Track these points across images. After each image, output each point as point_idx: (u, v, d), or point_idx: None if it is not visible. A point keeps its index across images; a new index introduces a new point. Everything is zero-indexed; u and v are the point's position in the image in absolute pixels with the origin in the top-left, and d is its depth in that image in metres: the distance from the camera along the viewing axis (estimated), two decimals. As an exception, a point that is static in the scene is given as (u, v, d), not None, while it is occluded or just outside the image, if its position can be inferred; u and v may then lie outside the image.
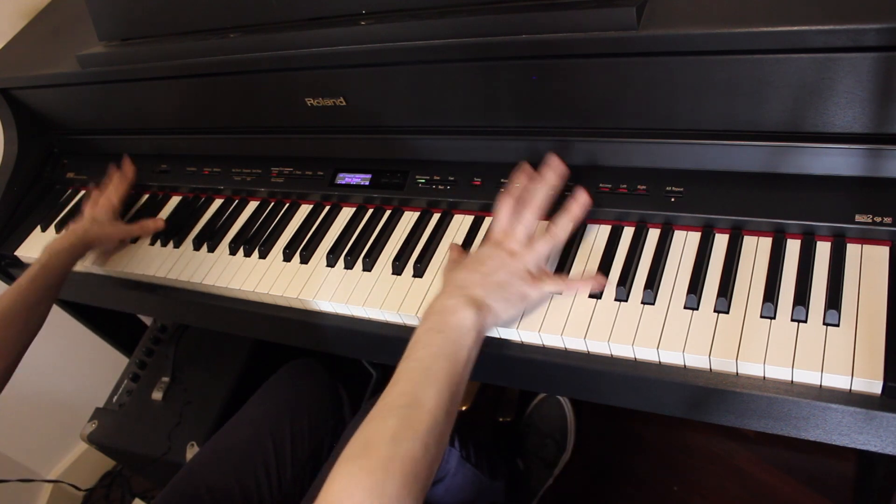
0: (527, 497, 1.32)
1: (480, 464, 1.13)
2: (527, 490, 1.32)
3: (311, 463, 1.04)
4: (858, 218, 0.69)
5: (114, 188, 1.10)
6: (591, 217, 0.83)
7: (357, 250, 0.91)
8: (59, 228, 1.16)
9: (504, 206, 0.77)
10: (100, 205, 1.07)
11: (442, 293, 0.70)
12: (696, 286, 0.72)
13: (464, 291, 0.69)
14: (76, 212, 1.17)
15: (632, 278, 0.75)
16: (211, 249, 1.02)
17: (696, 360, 0.68)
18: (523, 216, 0.76)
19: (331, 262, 0.92)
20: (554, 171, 0.78)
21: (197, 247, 1.03)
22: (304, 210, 1.01)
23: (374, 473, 0.55)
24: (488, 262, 0.72)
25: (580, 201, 0.77)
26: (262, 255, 0.97)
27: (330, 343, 0.93)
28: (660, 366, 0.71)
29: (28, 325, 0.92)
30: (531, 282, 0.73)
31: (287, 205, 1.02)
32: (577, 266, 0.79)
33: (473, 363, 0.66)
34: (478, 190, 0.89)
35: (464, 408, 1.48)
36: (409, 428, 0.57)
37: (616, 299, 0.75)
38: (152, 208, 1.12)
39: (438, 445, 0.59)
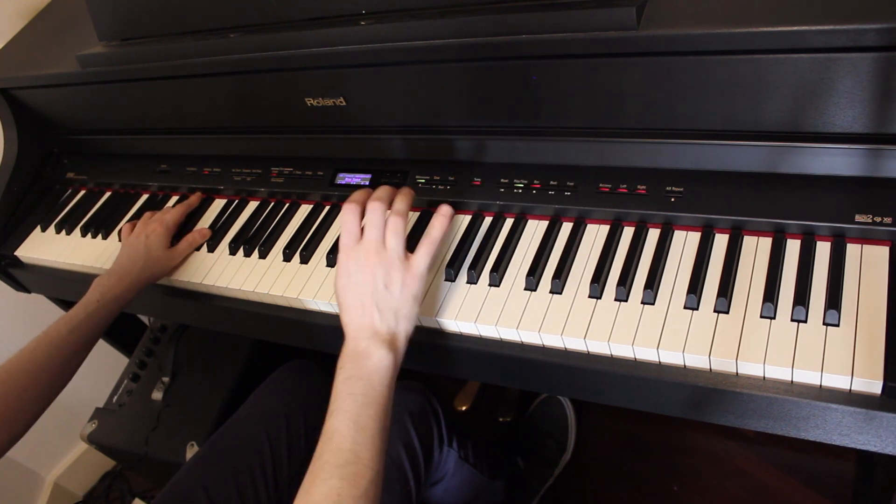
0: (527, 497, 1.32)
1: (479, 464, 1.13)
2: (527, 490, 1.32)
3: (308, 463, 1.04)
4: (858, 218, 0.69)
5: (173, 212, 1.03)
6: (591, 217, 0.83)
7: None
8: (59, 229, 1.16)
9: (346, 214, 0.74)
10: (152, 230, 0.98)
11: (347, 339, 0.70)
12: (696, 286, 0.72)
13: (364, 330, 0.69)
14: (76, 212, 1.17)
15: (632, 278, 0.75)
16: (211, 249, 1.02)
17: (696, 360, 0.68)
18: (370, 219, 0.73)
19: (331, 263, 0.92)
20: (387, 189, 0.77)
21: (197, 247, 1.03)
22: (304, 210, 1.01)
23: None
24: (364, 286, 0.71)
25: (408, 192, 0.77)
26: (262, 255, 0.97)
27: (330, 343, 0.93)
28: (660, 366, 0.71)
29: (59, 377, 0.83)
30: (409, 278, 0.71)
31: (287, 205, 1.02)
32: (577, 265, 0.79)
33: (393, 391, 0.68)
34: (478, 190, 0.89)
35: (463, 408, 1.48)
36: (352, 486, 0.59)
37: (616, 299, 0.75)
38: (152, 208, 1.12)
39: (378, 490, 0.61)
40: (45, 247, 1.16)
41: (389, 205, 0.76)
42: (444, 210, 0.77)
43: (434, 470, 1.03)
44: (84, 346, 0.87)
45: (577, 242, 0.81)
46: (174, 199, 1.12)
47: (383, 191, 0.77)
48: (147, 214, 1.04)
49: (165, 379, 1.33)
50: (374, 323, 0.70)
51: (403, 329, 0.71)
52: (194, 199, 1.08)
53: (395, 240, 0.72)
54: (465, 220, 0.89)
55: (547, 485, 1.35)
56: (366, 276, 0.71)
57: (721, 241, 0.75)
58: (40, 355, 0.82)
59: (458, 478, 1.09)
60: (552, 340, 0.75)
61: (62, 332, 0.84)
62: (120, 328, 1.50)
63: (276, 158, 1.05)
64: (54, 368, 0.83)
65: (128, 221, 1.09)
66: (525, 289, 0.79)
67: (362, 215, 0.75)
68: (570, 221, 0.84)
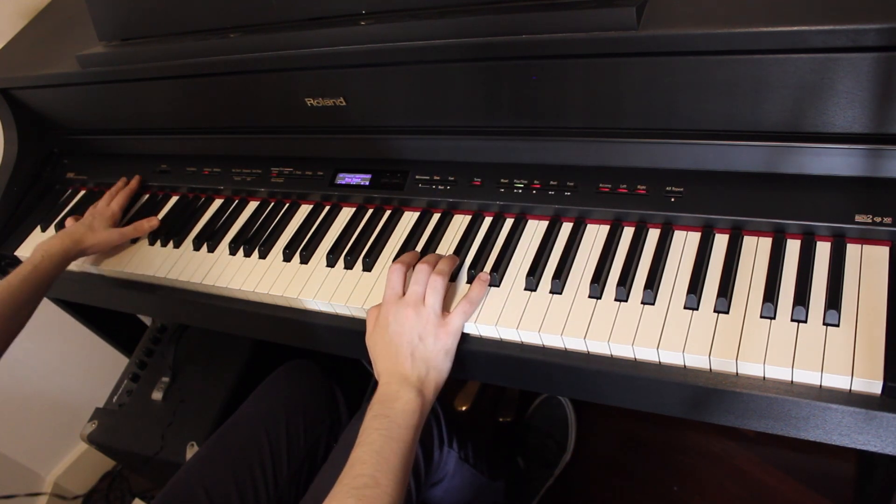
0: (527, 497, 1.32)
1: (479, 464, 1.13)
2: (527, 490, 1.32)
3: (308, 463, 1.05)
4: (858, 218, 0.69)
5: (118, 197, 1.10)
6: (591, 217, 0.83)
7: (357, 250, 0.91)
8: (59, 229, 1.16)
9: (393, 272, 0.80)
10: (98, 210, 1.08)
11: (380, 384, 0.74)
12: (696, 286, 0.72)
13: (397, 376, 0.73)
14: (76, 212, 1.17)
15: (632, 278, 0.75)
16: (211, 249, 1.02)
17: (696, 360, 0.68)
18: (418, 277, 0.78)
19: (331, 263, 0.92)
20: (437, 259, 0.82)
21: (197, 247, 1.03)
22: (304, 210, 1.01)
23: None
24: (401, 337, 0.75)
25: (452, 258, 0.83)
26: (262, 256, 0.97)
27: (330, 343, 0.93)
28: (660, 366, 0.71)
29: (11, 324, 0.91)
30: (443, 332, 0.76)
31: (287, 205, 1.02)
32: (577, 266, 0.79)
33: (418, 436, 0.71)
34: (478, 190, 0.89)
35: (463, 408, 1.48)
36: None
37: (616, 299, 0.75)
38: (152, 208, 1.12)
39: None
40: (45, 247, 1.16)
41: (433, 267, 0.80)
42: (484, 277, 0.81)
43: (434, 470, 1.03)
44: (33, 297, 0.94)
45: (577, 242, 0.81)
46: (174, 198, 1.12)
47: (433, 256, 0.83)
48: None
49: (165, 379, 1.33)
50: (406, 370, 0.74)
51: (433, 379, 0.74)
52: (134, 182, 1.14)
53: (434, 297, 0.77)
54: (465, 220, 0.89)
55: (547, 485, 1.35)
56: (403, 328, 0.76)
57: (721, 241, 0.75)
58: None
59: (458, 478, 1.09)
60: (552, 340, 0.75)
61: (13, 282, 0.92)
62: (120, 328, 1.50)
63: (276, 158, 1.05)
64: (9, 314, 0.90)
65: (129, 222, 1.10)
66: (525, 289, 0.79)
67: (405, 276, 0.80)
68: (570, 221, 0.84)
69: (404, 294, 0.78)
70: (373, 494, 0.62)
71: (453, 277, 0.83)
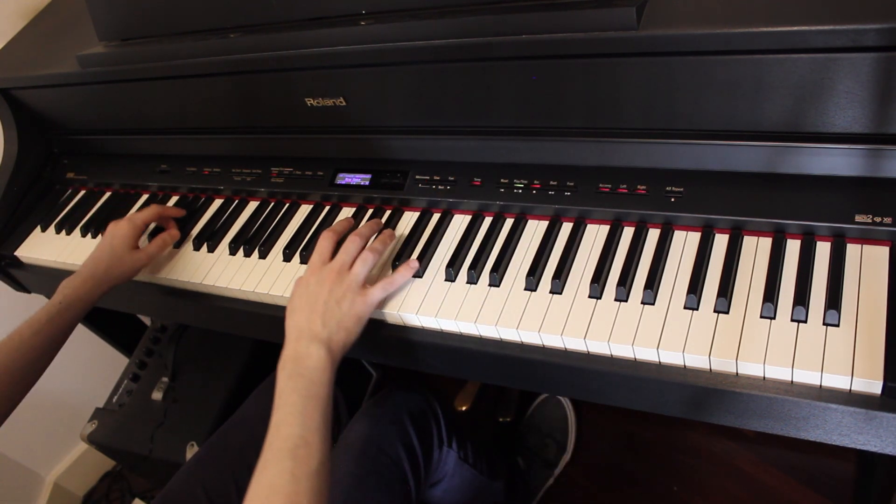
0: (527, 497, 1.32)
1: (479, 464, 1.13)
2: (527, 490, 1.32)
3: None
4: (858, 218, 0.69)
5: (144, 213, 1.00)
6: (591, 217, 0.83)
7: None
8: (58, 229, 1.16)
9: (323, 239, 0.83)
10: (119, 230, 0.96)
11: (288, 340, 0.75)
12: (696, 286, 0.72)
13: (308, 333, 0.74)
14: (76, 212, 1.17)
15: (632, 278, 0.75)
16: (211, 249, 1.02)
17: (696, 360, 0.68)
18: (348, 247, 0.81)
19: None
20: (372, 226, 0.87)
21: (197, 247, 1.03)
22: (304, 210, 1.01)
23: None
24: (317, 297, 0.77)
25: (390, 234, 0.87)
26: (262, 255, 0.97)
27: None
28: (660, 366, 0.71)
29: (25, 379, 0.84)
30: (359, 300, 0.78)
31: (287, 205, 1.02)
32: (577, 266, 0.79)
33: (333, 388, 0.73)
34: (478, 190, 0.89)
35: (464, 408, 1.48)
36: (303, 465, 0.64)
37: (616, 299, 0.75)
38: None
39: (328, 473, 0.67)
40: (45, 247, 1.16)
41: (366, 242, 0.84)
42: (413, 263, 0.84)
43: (434, 470, 1.03)
44: (49, 349, 0.87)
45: (577, 242, 0.81)
46: (174, 198, 1.12)
47: (367, 228, 0.86)
48: (118, 220, 1.01)
49: (165, 379, 1.33)
50: (317, 327, 0.75)
51: (342, 339, 0.76)
52: (175, 211, 1.06)
53: (361, 268, 0.80)
54: (466, 220, 0.89)
55: (547, 485, 1.35)
56: (322, 289, 0.78)
57: (721, 241, 0.75)
58: (4, 359, 0.82)
59: (457, 478, 1.09)
60: (552, 340, 0.75)
61: (24, 337, 0.85)
62: (120, 328, 1.50)
63: (276, 158, 1.05)
64: (18, 373, 0.83)
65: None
66: (525, 289, 0.79)
67: (337, 245, 0.83)
68: (570, 221, 0.84)
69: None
70: (305, 453, 0.65)
71: (455, 275, 0.83)
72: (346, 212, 0.98)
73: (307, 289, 0.79)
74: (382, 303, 0.84)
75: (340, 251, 0.82)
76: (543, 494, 1.34)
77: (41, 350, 0.86)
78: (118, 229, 0.97)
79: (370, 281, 0.82)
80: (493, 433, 1.47)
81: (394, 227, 0.93)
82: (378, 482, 0.90)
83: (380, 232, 0.88)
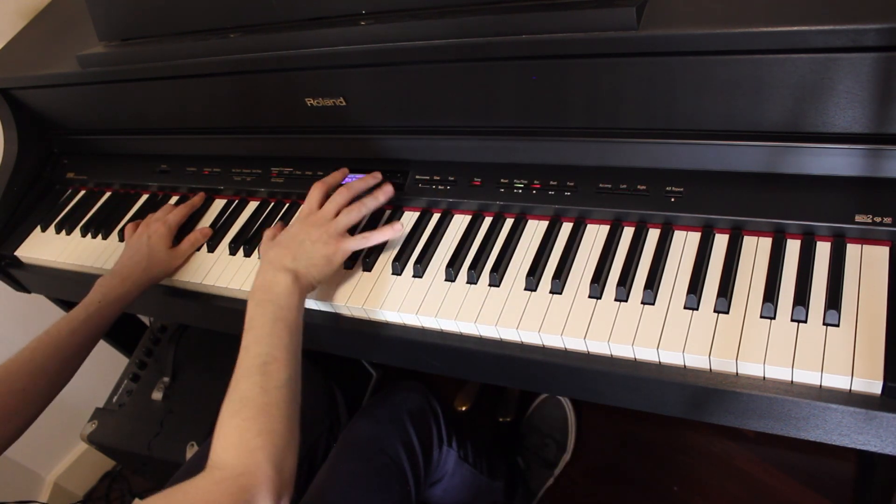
0: (527, 497, 1.32)
1: (479, 464, 1.13)
2: (527, 490, 1.32)
3: (307, 463, 1.05)
4: (858, 218, 0.69)
5: (176, 212, 1.03)
6: (591, 217, 0.83)
7: (357, 251, 0.91)
8: (59, 229, 1.16)
9: (314, 189, 0.88)
10: (154, 231, 0.98)
11: (259, 270, 0.79)
12: (696, 286, 0.72)
13: (276, 264, 0.79)
14: (76, 212, 1.17)
15: (632, 278, 0.75)
16: (211, 249, 1.02)
17: (696, 360, 0.68)
18: (335, 199, 0.86)
19: (331, 262, 0.91)
20: (385, 190, 0.89)
21: (199, 246, 1.03)
22: (304, 210, 1.01)
23: (258, 419, 0.64)
24: (295, 236, 0.82)
25: (385, 190, 0.89)
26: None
27: (329, 343, 0.93)
28: (660, 366, 0.71)
29: (60, 376, 0.84)
30: (332, 244, 0.82)
31: (287, 205, 1.02)
32: (577, 266, 0.79)
33: (302, 317, 0.77)
34: (478, 190, 0.89)
35: (463, 408, 1.48)
36: (272, 379, 0.68)
37: (616, 299, 0.75)
38: (152, 208, 1.12)
39: (297, 388, 0.70)
40: (45, 247, 1.16)
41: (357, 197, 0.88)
42: (396, 226, 0.86)
43: (434, 470, 1.03)
44: (84, 347, 0.88)
45: (577, 242, 0.81)
46: (174, 198, 1.12)
47: (362, 182, 0.89)
48: (150, 215, 1.04)
49: (165, 379, 1.33)
50: (287, 260, 0.79)
51: (310, 274, 0.79)
52: (197, 199, 1.08)
53: (345, 218, 0.84)
54: (466, 220, 0.89)
55: (547, 485, 1.35)
56: (301, 231, 0.82)
57: (721, 241, 0.75)
58: (39, 356, 0.83)
59: (457, 478, 1.09)
60: (552, 340, 0.75)
61: (62, 333, 0.85)
62: (120, 328, 1.49)
63: (276, 158, 1.05)
64: (53, 369, 0.83)
65: (130, 221, 1.09)
66: (525, 289, 0.79)
67: (326, 196, 0.87)
68: (570, 221, 0.84)
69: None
70: (274, 368, 0.68)
71: (455, 275, 0.83)
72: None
73: (288, 231, 0.83)
74: (383, 302, 0.84)
75: (329, 201, 0.86)
76: (543, 494, 1.34)
77: (77, 348, 0.86)
78: (155, 231, 0.99)
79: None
80: (493, 433, 1.47)
81: (394, 227, 0.93)
82: (378, 481, 0.90)
83: (377, 187, 0.90)
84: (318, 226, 0.83)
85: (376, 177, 0.91)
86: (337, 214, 0.85)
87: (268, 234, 0.89)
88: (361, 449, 0.93)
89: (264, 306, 0.74)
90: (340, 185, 0.91)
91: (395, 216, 0.93)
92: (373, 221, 0.94)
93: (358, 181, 0.89)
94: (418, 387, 1.05)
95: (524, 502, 1.31)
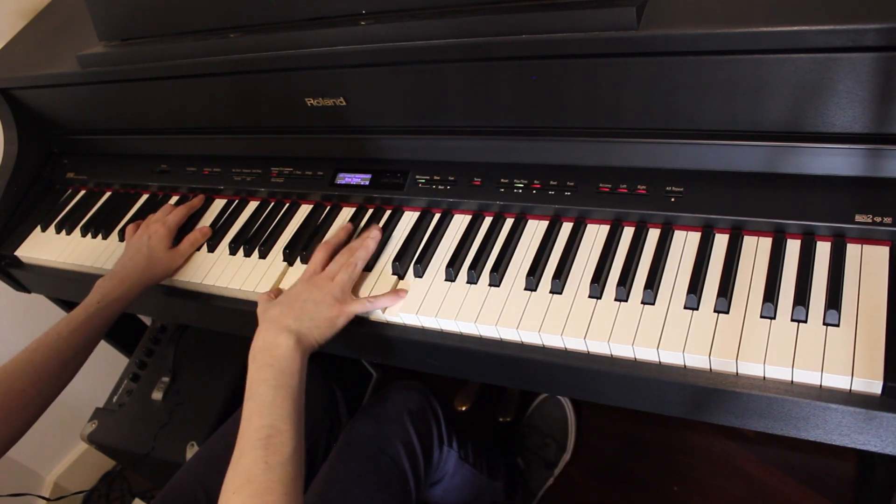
0: (526, 497, 1.32)
1: (479, 464, 1.13)
2: (527, 490, 1.32)
3: (307, 462, 1.04)
4: (858, 218, 0.69)
5: (176, 212, 1.03)
6: (591, 217, 0.83)
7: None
8: (59, 229, 1.16)
9: (318, 251, 0.87)
10: (154, 231, 0.99)
11: (260, 330, 0.77)
12: (696, 286, 0.72)
13: (279, 324, 0.76)
14: (76, 212, 1.18)
15: (632, 278, 0.75)
16: (211, 249, 1.02)
17: (696, 360, 0.68)
18: (337, 259, 0.85)
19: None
20: (373, 234, 0.88)
21: (199, 246, 1.03)
22: (305, 210, 1.01)
23: (262, 497, 0.62)
24: (299, 296, 0.81)
25: (373, 236, 0.88)
26: (262, 255, 0.97)
27: (329, 344, 0.93)
28: (660, 366, 0.71)
29: (61, 377, 0.84)
30: (337, 306, 0.80)
31: (287, 205, 1.02)
32: (577, 265, 0.79)
33: (304, 379, 0.75)
34: (478, 190, 0.89)
35: (463, 408, 1.48)
36: (276, 453, 0.65)
37: (616, 299, 0.75)
38: (152, 208, 1.12)
39: (301, 459, 0.68)
40: (45, 247, 1.16)
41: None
42: (402, 294, 0.84)
43: (434, 469, 1.03)
44: (84, 348, 0.88)
45: (578, 242, 0.81)
46: (174, 198, 1.12)
47: (358, 242, 0.88)
48: (150, 216, 1.04)
49: (165, 379, 1.33)
50: (289, 321, 0.77)
51: (313, 336, 0.78)
52: (196, 200, 1.08)
53: (344, 276, 0.83)
54: (466, 220, 0.89)
55: (547, 485, 1.35)
56: (305, 291, 0.81)
57: (721, 241, 0.75)
58: (40, 357, 0.83)
59: (458, 478, 1.09)
60: (552, 340, 0.75)
61: (62, 334, 0.85)
62: (120, 328, 1.49)
63: (276, 158, 1.05)
64: (54, 370, 0.83)
65: (130, 222, 1.09)
66: (525, 289, 0.79)
67: (330, 257, 0.87)
68: (571, 221, 0.84)
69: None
70: (278, 441, 0.66)
71: (455, 275, 0.83)
72: (347, 212, 0.98)
73: (291, 291, 0.82)
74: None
75: (332, 263, 0.85)
76: (543, 494, 1.34)
77: (77, 349, 0.86)
78: (154, 232, 0.99)
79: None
80: (493, 433, 1.47)
81: (394, 227, 0.93)
82: (378, 481, 0.90)
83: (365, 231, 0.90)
84: (320, 287, 0.81)
85: (371, 230, 0.90)
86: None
87: (263, 296, 0.85)
88: (362, 449, 0.93)
89: (265, 371, 0.72)
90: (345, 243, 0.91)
91: (396, 216, 0.93)
92: (373, 223, 0.94)
93: (356, 241, 0.89)
94: (418, 386, 1.05)
95: (524, 502, 1.31)
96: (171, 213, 1.03)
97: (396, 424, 0.96)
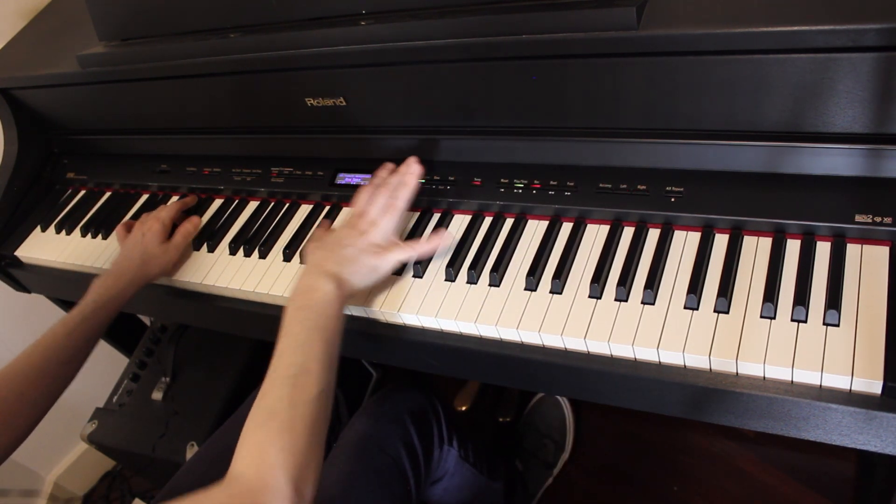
0: (525, 498, 1.32)
1: (479, 464, 1.13)
2: (526, 491, 1.32)
3: None
4: (858, 218, 0.69)
5: (168, 208, 1.03)
6: (591, 217, 0.83)
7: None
8: (59, 229, 1.16)
9: (361, 194, 0.86)
10: (148, 228, 0.98)
11: (304, 273, 0.78)
12: (696, 286, 0.72)
13: (320, 269, 0.77)
14: (76, 212, 1.18)
15: (632, 278, 0.75)
16: (211, 249, 1.02)
17: (696, 360, 0.68)
18: (376, 199, 0.84)
19: (331, 262, 0.91)
20: (411, 170, 0.86)
21: (197, 247, 1.03)
22: (305, 210, 1.01)
23: (282, 434, 0.62)
24: (341, 241, 0.80)
25: (412, 171, 0.86)
26: (262, 255, 0.97)
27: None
28: (660, 366, 0.71)
29: (60, 379, 0.84)
30: (380, 253, 0.80)
31: (287, 205, 1.02)
32: (577, 265, 0.79)
33: (342, 325, 0.75)
34: (478, 190, 0.89)
35: (463, 408, 1.48)
36: (303, 392, 0.65)
37: (616, 299, 0.75)
38: (152, 208, 1.12)
39: (328, 401, 0.68)
40: (45, 247, 1.16)
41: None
42: (446, 236, 0.85)
43: (434, 469, 1.03)
44: (83, 349, 0.87)
45: (578, 242, 0.81)
46: (174, 198, 1.12)
47: (398, 178, 0.86)
48: (144, 215, 1.04)
49: (165, 379, 1.33)
50: (330, 266, 0.77)
51: (353, 282, 0.78)
52: (190, 198, 1.08)
53: (388, 221, 0.82)
54: (466, 220, 0.89)
55: (546, 485, 1.35)
56: (349, 235, 0.81)
57: (721, 241, 0.75)
58: (37, 359, 0.82)
59: (457, 477, 1.09)
60: (552, 340, 0.75)
61: (59, 336, 0.85)
62: (120, 328, 1.50)
63: (276, 158, 1.05)
64: (52, 372, 0.83)
65: (122, 223, 1.09)
66: (525, 289, 0.79)
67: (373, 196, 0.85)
68: (570, 221, 0.84)
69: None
70: (305, 381, 0.66)
71: (455, 275, 0.83)
72: (347, 212, 0.98)
73: (336, 234, 0.82)
74: (383, 303, 0.84)
75: (371, 205, 0.84)
76: (543, 494, 1.34)
77: (75, 350, 0.86)
78: (149, 228, 0.99)
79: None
80: (492, 433, 1.47)
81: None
82: (378, 480, 0.90)
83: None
84: (364, 232, 0.81)
85: (409, 164, 0.88)
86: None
87: (315, 233, 0.86)
88: (362, 448, 0.93)
89: (304, 312, 0.72)
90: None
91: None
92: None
93: (395, 176, 0.87)
94: (419, 385, 1.05)
95: (523, 503, 1.31)
96: (164, 209, 1.03)
97: (397, 424, 0.96)
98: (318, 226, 0.87)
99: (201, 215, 1.07)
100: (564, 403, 1.41)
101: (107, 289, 0.91)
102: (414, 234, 0.90)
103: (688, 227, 0.78)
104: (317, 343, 0.70)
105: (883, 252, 0.69)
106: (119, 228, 1.05)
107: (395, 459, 0.93)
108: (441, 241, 0.84)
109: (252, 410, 0.65)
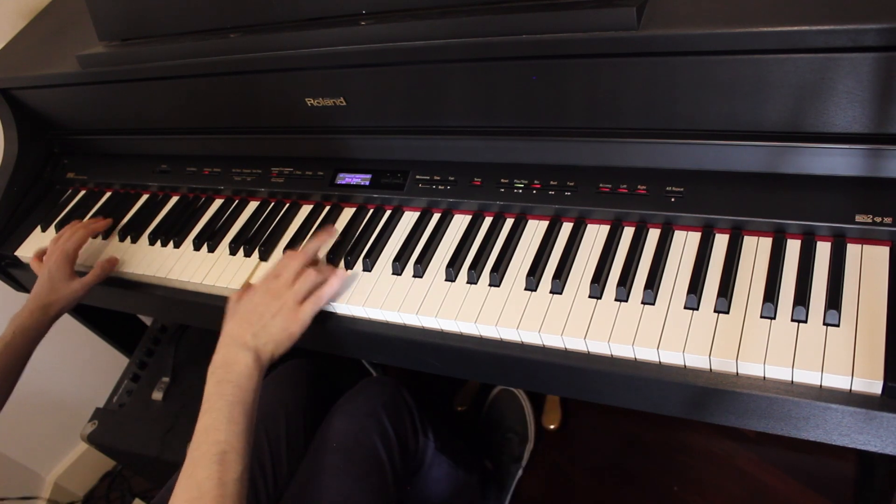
0: (499, 491, 1.33)
1: (456, 456, 1.15)
2: (499, 486, 1.33)
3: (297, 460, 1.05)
4: (858, 218, 0.69)
5: (74, 239, 1.03)
6: (591, 217, 0.83)
7: (357, 251, 0.91)
8: (59, 229, 1.16)
9: (284, 257, 0.87)
10: (53, 261, 0.99)
11: (220, 346, 0.79)
12: (696, 286, 0.72)
13: (238, 341, 0.79)
14: (76, 212, 1.18)
15: (632, 278, 0.75)
16: (211, 250, 1.02)
17: (697, 360, 0.68)
18: (291, 263, 0.85)
19: (331, 263, 0.91)
20: (324, 235, 0.89)
21: (197, 247, 1.03)
22: (305, 210, 1.01)
23: None
24: (255, 309, 0.82)
25: (327, 231, 0.90)
26: (263, 256, 0.97)
27: (329, 343, 0.93)
28: (660, 366, 0.71)
29: None
30: (292, 316, 0.81)
31: (287, 205, 1.02)
32: (577, 266, 0.79)
33: (258, 395, 0.77)
34: (478, 190, 0.89)
35: (462, 408, 1.48)
36: (229, 470, 0.69)
37: (616, 299, 0.75)
38: (152, 208, 1.12)
39: (247, 479, 0.71)
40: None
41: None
42: (341, 274, 0.86)
43: (411, 460, 1.04)
44: (4, 378, 0.92)
45: (578, 242, 0.81)
46: (174, 198, 1.12)
47: (316, 241, 0.89)
48: (53, 240, 1.04)
49: (165, 379, 1.33)
50: (247, 338, 0.79)
51: (270, 351, 0.80)
52: (101, 224, 1.09)
53: (302, 285, 0.83)
54: (466, 220, 0.89)
55: (517, 478, 1.35)
56: (263, 302, 0.82)
57: (721, 241, 0.75)
58: None
59: (435, 469, 1.10)
60: (552, 340, 0.75)
61: None
62: (120, 328, 1.50)
63: (276, 158, 1.05)
64: None
65: (130, 222, 1.10)
66: (525, 289, 0.79)
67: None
68: (571, 221, 0.84)
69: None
70: (232, 459, 0.70)
71: (455, 275, 0.83)
72: (347, 212, 0.98)
73: (251, 298, 0.83)
74: (383, 302, 0.84)
75: (284, 268, 0.84)
76: (542, 494, 1.34)
77: (2, 373, 0.91)
78: (55, 261, 1.00)
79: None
80: (455, 422, 1.47)
81: (394, 227, 0.93)
82: (356, 473, 0.91)
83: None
84: (277, 297, 0.82)
85: (328, 230, 0.91)
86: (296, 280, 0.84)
87: (233, 297, 0.86)
88: (339, 443, 0.93)
89: (224, 386, 0.75)
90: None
91: (396, 216, 0.94)
92: (373, 223, 0.94)
93: (311, 241, 0.88)
94: (390, 381, 1.06)
95: (497, 497, 1.32)
96: (70, 240, 1.02)
97: (371, 418, 0.96)
98: (240, 289, 0.87)
99: (202, 216, 1.07)
100: (520, 394, 1.42)
101: (22, 321, 0.95)
102: (414, 234, 0.90)
103: (688, 228, 0.78)
104: (240, 418, 0.73)
105: (883, 252, 0.69)
106: (33, 259, 1.06)
107: (373, 452, 0.94)
108: (338, 280, 0.85)
109: (181, 483, 0.68)
